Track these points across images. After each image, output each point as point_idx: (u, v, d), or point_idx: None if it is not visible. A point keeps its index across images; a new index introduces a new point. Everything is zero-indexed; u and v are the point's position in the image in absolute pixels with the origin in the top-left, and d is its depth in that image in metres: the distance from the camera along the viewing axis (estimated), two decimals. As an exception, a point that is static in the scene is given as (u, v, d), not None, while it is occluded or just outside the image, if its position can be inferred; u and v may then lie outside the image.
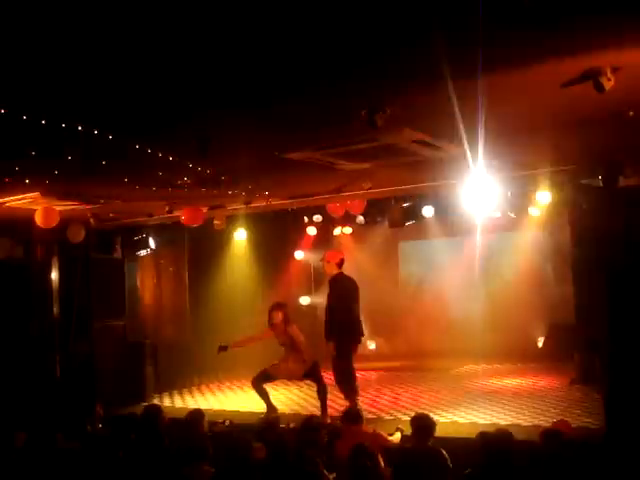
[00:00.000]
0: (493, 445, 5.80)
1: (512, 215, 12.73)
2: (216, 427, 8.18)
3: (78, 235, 11.17)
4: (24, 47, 4.30)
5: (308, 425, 7.02)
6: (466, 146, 7.41)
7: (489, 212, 10.67)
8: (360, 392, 10.61)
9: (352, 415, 7.59)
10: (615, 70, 5.04)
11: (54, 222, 9.91)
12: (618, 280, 8.03)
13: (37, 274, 12.10)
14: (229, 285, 15.54)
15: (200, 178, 8.27)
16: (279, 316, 10.24)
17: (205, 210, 10.89)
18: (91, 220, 11.02)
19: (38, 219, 9.72)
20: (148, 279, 14.49)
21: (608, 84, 5.07)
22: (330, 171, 8.47)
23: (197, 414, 7.66)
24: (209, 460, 6.14)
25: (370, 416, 9.94)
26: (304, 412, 10.73)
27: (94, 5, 3.79)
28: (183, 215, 10.73)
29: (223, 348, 10.55)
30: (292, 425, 8.04)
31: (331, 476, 6.08)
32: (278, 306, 10.40)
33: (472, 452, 5.96)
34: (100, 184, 8.65)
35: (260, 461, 6.22)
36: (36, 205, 9.53)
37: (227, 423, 8.91)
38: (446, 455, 6.37)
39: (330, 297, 10.41)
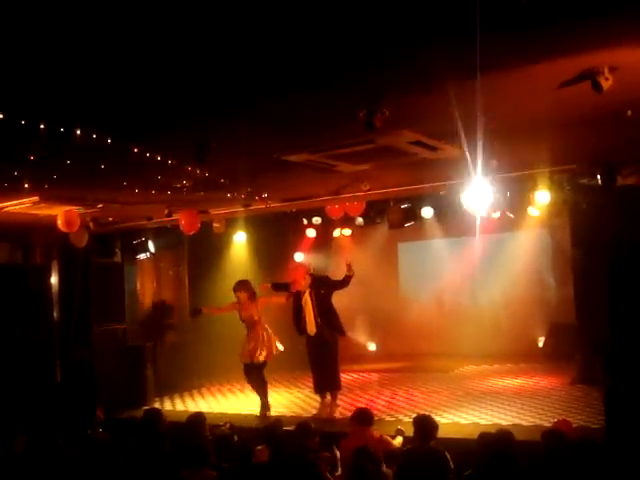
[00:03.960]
0: (493, 446, 5.80)
1: (511, 215, 12.72)
2: (217, 430, 8.17)
3: (81, 239, 11.17)
4: (23, 50, 4.29)
5: (302, 430, 7.02)
6: (465, 146, 7.42)
7: (488, 212, 10.66)
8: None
9: (363, 416, 7.57)
10: (613, 70, 5.04)
11: (76, 226, 9.92)
12: (618, 279, 8.02)
13: (36, 278, 12.11)
14: (229, 288, 15.49)
15: (199, 181, 8.27)
16: (243, 296, 11.10)
17: (197, 214, 10.87)
18: (90, 224, 11.01)
19: (60, 223, 9.72)
20: (148, 283, 14.48)
21: (606, 84, 5.08)
22: (329, 173, 8.47)
23: (198, 417, 7.65)
24: (211, 464, 6.14)
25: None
26: (305, 414, 10.74)
27: (93, 9, 3.79)
28: (182, 221, 10.74)
29: (198, 311, 11.79)
30: (291, 428, 8.03)
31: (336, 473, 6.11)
32: (240, 285, 11.22)
33: (473, 453, 5.96)
34: (99, 188, 8.65)
35: (263, 463, 6.23)
36: (35, 210, 9.53)
37: (228, 426, 8.89)
38: (448, 456, 6.37)
39: (326, 298, 10.67)
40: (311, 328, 10.56)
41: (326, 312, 10.61)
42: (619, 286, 8.02)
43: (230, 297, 15.13)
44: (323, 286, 10.77)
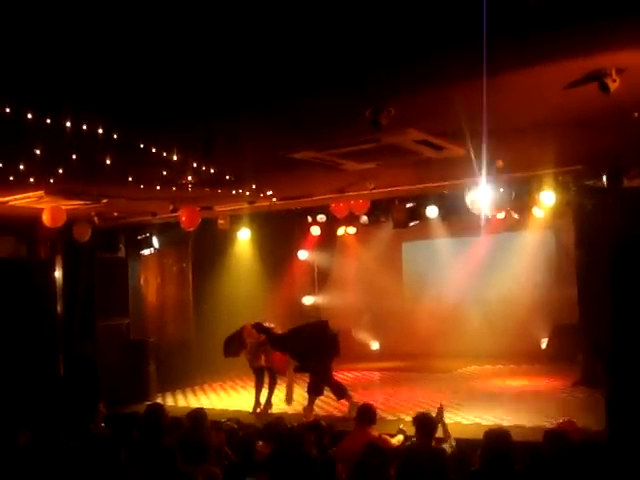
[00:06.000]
0: (491, 444, 5.84)
1: (516, 216, 12.72)
2: (224, 425, 8.17)
3: (84, 234, 11.18)
4: (30, 46, 4.30)
5: (314, 428, 7.05)
6: (470, 146, 7.41)
7: (493, 213, 10.66)
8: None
9: (364, 415, 7.59)
10: (620, 71, 5.03)
11: (61, 221, 9.92)
12: (622, 281, 8.01)
13: (41, 273, 12.12)
14: (233, 284, 15.56)
15: (204, 177, 8.27)
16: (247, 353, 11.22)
17: (198, 210, 10.87)
18: (95, 219, 11.03)
19: (45, 218, 9.73)
20: (152, 278, 14.51)
21: (613, 85, 5.07)
22: (334, 171, 8.46)
23: (199, 413, 7.66)
24: (213, 460, 6.14)
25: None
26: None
27: (101, 6, 3.80)
28: (183, 217, 10.75)
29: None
30: (294, 424, 8.04)
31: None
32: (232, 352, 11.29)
33: (476, 452, 5.98)
34: (104, 183, 8.66)
35: (265, 459, 6.25)
36: (40, 204, 9.54)
37: (235, 421, 8.91)
38: (449, 451, 6.44)
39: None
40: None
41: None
42: (622, 288, 8.01)
43: (234, 293, 15.32)
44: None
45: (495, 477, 5.52)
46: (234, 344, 11.14)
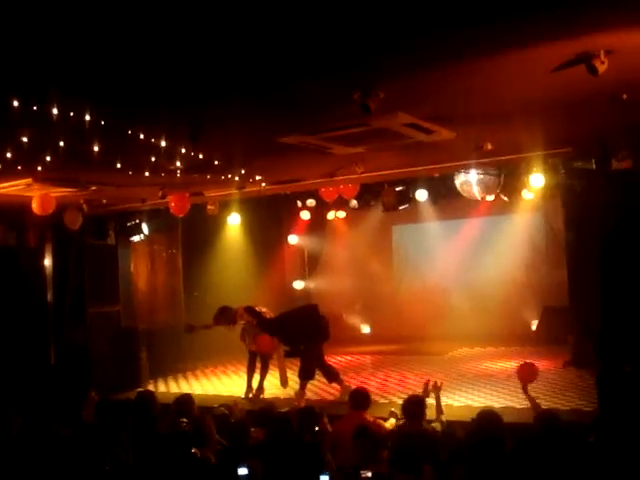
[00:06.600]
0: (485, 422, 5.91)
1: (505, 198, 12.74)
2: (217, 411, 8.19)
3: (75, 221, 11.13)
4: (14, 30, 4.26)
5: (308, 413, 7.08)
6: (459, 129, 7.41)
7: (482, 195, 10.67)
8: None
9: (358, 399, 7.63)
10: (608, 53, 5.03)
11: (51, 209, 9.88)
12: (610, 262, 8.05)
13: (30, 261, 12.08)
14: (223, 270, 15.55)
15: (193, 163, 8.24)
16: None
17: (187, 196, 10.84)
18: (84, 206, 10.97)
19: (35, 206, 9.68)
20: (142, 265, 14.48)
21: (601, 67, 5.06)
22: (323, 155, 8.44)
23: (187, 399, 7.68)
24: (209, 445, 6.16)
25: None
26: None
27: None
28: (172, 203, 10.73)
29: (191, 327, 11.81)
30: (285, 410, 8.06)
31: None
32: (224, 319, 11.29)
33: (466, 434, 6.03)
34: (93, 170, 8.60)
35: (260, 444, 6.27)
36: (29, 192, 9.49)
37: (223, 408, 8.92)
38: (438, 430, 6.52)
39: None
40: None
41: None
42: (610, 269, 8.05)
43: (224, 279, 15.31)
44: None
45: (484, 458, 5.57)
46: (223, 316, 11.18)
